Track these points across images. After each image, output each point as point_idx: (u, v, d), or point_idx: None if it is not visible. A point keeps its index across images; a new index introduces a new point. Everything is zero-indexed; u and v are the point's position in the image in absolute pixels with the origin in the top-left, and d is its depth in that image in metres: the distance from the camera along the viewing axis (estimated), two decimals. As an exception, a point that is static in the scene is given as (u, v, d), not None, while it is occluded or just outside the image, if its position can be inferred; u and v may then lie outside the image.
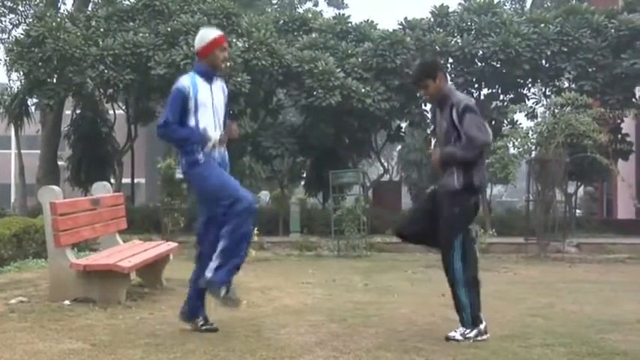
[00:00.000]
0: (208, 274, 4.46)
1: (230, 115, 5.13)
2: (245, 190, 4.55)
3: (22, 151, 20.11)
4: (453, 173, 4.54)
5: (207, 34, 4.69)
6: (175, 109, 4.51)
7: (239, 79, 13.79)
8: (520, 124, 13.87)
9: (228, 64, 4.97)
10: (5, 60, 16.73)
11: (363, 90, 14.72)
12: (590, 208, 22.69)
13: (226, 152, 4.73)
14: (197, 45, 4.66)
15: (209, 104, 4.58)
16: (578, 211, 20.49)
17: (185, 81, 4.56)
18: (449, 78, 15.00)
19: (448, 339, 4.46)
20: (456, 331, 4.50)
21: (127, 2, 16.11)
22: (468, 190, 4.54)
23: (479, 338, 4.47)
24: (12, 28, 22.78)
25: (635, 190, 16.25)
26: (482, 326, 4.52)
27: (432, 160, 4.85)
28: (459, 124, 4.49)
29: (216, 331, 4.64)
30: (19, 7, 21.94)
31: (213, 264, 4.47)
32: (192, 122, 4.54)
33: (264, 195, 27.05)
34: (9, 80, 21.74)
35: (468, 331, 4.48)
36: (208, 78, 4.63)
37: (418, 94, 4.54)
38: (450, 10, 16.55)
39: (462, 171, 4.52)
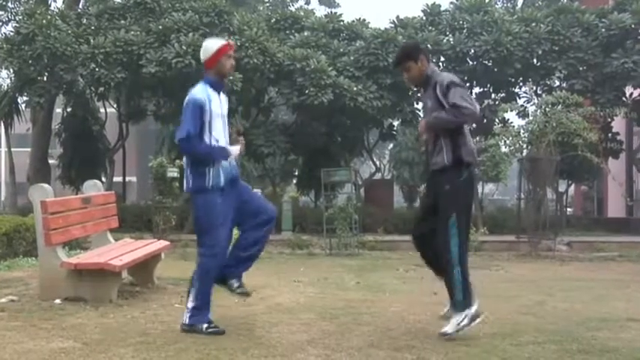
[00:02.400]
0: (185, 318, 4.62)
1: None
2: (222, 246, 4.62)
3: (13, 149, 20.00)
4: (442, 149, 4.57)
5: (212, 44, 4.73)
6: (196, 120, 4.53)
7: (231, 78, 13.74)
8: (511, 122, 13.91)
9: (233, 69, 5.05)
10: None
11: (355, 88, 14.73)
12: (585, 207, 22.75)
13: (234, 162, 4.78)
14: (203, 57, 4.71)
15: (219, 115, 4.66)
16: (569, 209, 20.59)
17: (201, 93, 4.59)
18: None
19: (442, 335, 4.45)
20: (448, 326, 4.48)
21: (118, 0, 16.03)
22: (458, 166, 4.55)
23: (473, 323, 4.46)
24: (1, 26, 22.68)
25: (625, 188, 16.33)
26: (473, 309, 4.48)
27: (419, 132, 4.88)
28: (443, 98, 4.51)
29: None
30: (9, 4, 21.82)
31: (188, 305, 4.63)
32: (206, 134, 4.58)
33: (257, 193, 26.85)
34: (-1, 78, 21.65)
35: (460, 319, 4.46)
36: (217, 89, 4.70)
37: (404, 78, 4.54)
38: (442, 8, 16.59)
39: (451, 147, 4.54)
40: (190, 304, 4.60)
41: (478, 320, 4.50)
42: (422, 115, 5.19)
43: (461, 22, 15.80)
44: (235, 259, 4.78)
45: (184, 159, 4.77)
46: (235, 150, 4.68)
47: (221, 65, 4.67)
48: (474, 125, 16.01)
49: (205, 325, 4.54)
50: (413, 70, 4.68)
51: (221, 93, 4.77)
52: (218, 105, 4.66)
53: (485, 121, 15.44)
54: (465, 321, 4.46)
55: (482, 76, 15.92)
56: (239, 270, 4.82)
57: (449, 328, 4.48)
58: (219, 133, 4.62)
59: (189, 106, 4.56)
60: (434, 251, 4.68)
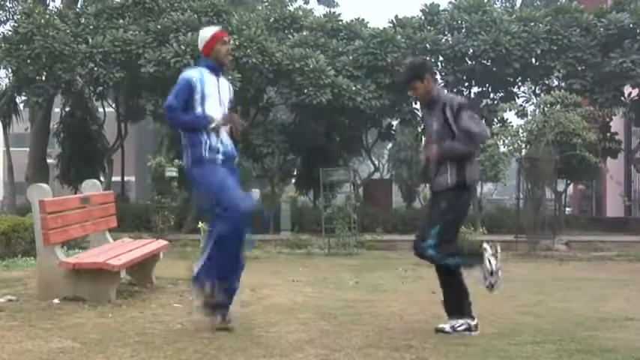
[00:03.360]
0: (195, 268, 4.56)
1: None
2: (241, 198, 4.52)
3: (11, 149, 19.96)
4: (446, 171, 4.56)
5: (207, 32, 4.80)
6: (180, 95, 4.59)
7: (229, 77, 13.73)
8: (510, 122, 13.92)
9: (230, 57, 5.04)
10: (-7, 57, 16.58)
11: (353, 88, 14.73)
12: (582, 206, 22.77)
13: (232, 143, 4.74)
14: (200, 45, 4.78)
15: (215, 96, 4.67)
16: (568, 209, 20.59)
17: (193, 72, 4.67)
18: (439, 76, 15.24)
19: (437, 330, 4.52)
20: (446, 324, 4.56)
21: (117, 0, 16.00)
22: (460, 188, 4.56)
23: (467, 333, 4.50)
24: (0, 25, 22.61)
25: (624, 188, 16.35)
26: (472, 322, 4.54)
27: (424, 157, 4.83)
28: (453, 122, 4.50)
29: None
30: (7, 4, 21.74)
31: (200, 261, 4.56)
32: (199, 111, 4.60)
33: (255, 193, 26.77)
34: (-3, 77, 21.59)
35: (459, 324, 4.50)
36: (215, 71, 4.73)
37: (409, 93, 4.59)
38: (441, 8, 16.57)
39: (455, 169, 4.54)
40: (200, 264, 4.53)
41: (474, 333, 4.54)
42: (425, 132, 5.15)
43: (459, 22, 15.79)
44: None
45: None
46: (218, 118, 4.62)
47: (217, 51, 4.71)
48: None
49: (209, 285, 4.46)
50: (420, 89, 4.68)
51: (221, 78, 4.79)
52: (214, 87, 4.67)
53: (484, 120, 15.44)
54: (463, 327, 4.53)
55: (481, 75, 15.92)
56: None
57: (446, 326, 4.56)
58: (214, 112, 4.62)
59: (178, 82, 4.65)
60: None
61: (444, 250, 4.51)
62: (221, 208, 4.45)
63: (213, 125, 4.59)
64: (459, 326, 4.52)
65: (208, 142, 4.58)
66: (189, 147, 4.64)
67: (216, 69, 4.75)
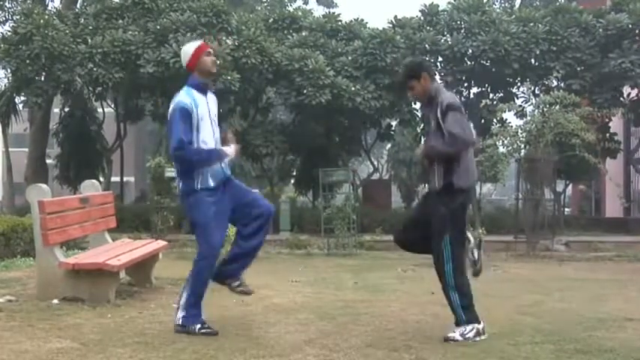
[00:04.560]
0: (177, 318, 4.60)
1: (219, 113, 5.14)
2: (213, 247, 4.59)
3: (10, 149, 19.95)
4: (434, 172, 4.56)
5: (189, 47, 4.74)
6: (186, 127, 4.51)
7: (229, 78, 13.75)
8: (509, 122, 13.91)
9: (218, 62, 5.00)
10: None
11: (353, 88, 14.73)
12: (582, 207, 22.76)
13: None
14: (184, 61, 4.72)
15: (207, 116, 4.63)
16: (567, 209, 20.58)
17: (185, 98, 4.57)
18: (438, 76, 15.25)
19: (447, 339, 4.42)
20: (454, 332, 4.47)
21: (116, 0, 16.00)
22: (449, 191, 4.50)
23: (477, 338, 4.45)
24: (-1, 25, 22.59)
25: (622, 188, 16.34)
26: (480, 326, 4.50)
27: (415, 155, 4.92)
28: (442, 121, 4.50)
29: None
30: (6, 4, 21.74)
31: (181, 304, 4.61)
32: (194, 138, 4.56)
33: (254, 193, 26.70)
34: (-4, 78, 21.58)
35: (467, 330, 4.45)
36: (202, 90, 4.68)
37: (408, 95, 4.57)
38: (440, 8, 16.58)
39: (443, 171, 4.51)
40: (182, 304, 4.60)
41: (483, 337, 4.48)
42: (424, 128, 5.20)
43: (459, 22, 15.80)
44: (233, 257, 4.77)
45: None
46: (230, 150, 4.67)
47: (202, 63, 4.65)
48: (472, 125, 16.07)
49: (198, 326, 4.52)
50: (417, 88, 4.66)
51: (208, 93, 4.74)
52: (205, 107, 4.63)
53: (483, 121, 15.45)
54: (471, 333, 4.44)
55: (480, 76, 15.93)
56: (238, 268, 4.80)
57: (456, 334, 4.46)
58: (207, 135, 4.60)
59: (176, 113, 4.52)
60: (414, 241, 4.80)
61: (457, 285, 4.48)
62: (201, 242, 4.61)
63: (225, 160, 4.63)
64: (468, 332, 4.45)
65: (199, 173, 4.57)
66: (181, 176, 4.65)
67: (203, 86, 4.68)
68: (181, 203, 4.83)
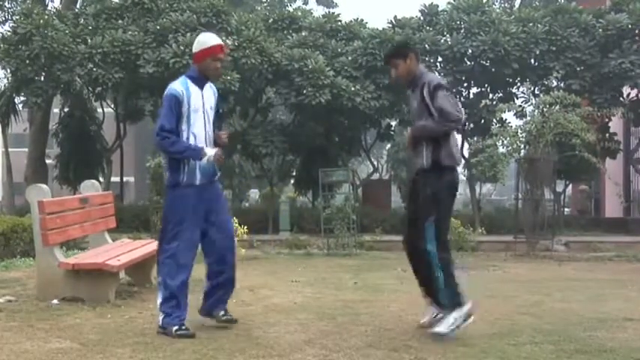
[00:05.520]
0: (158, 319, 4.57)
1: (219, 114, 5.10)
2: (183, 247, 4.51)
3: (10, 150, 19.93)
4: (421, 152, 4.58)
5: (206, 40, 4.68)
6: (171, 115, 4.50)
7: (228, 78, 13.74)
8: (509, 122, 13.92)
9: (220, 71, 4.96)
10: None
11: (352, 88, 14.73)
12: (583, 207, 22.72)
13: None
14: (194, 49, 4.70)
15: (200, 110, 4.59)
16: (566, 209, 20.56)
17: (178, 86, 4.56)
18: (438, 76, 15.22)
19: (434, 334, 4.44)
20: (439, 325, 4.47)
21: (116, 0, 15.99)
22: (437, 169, 4.53)
23: (464, 324, 4.44)
24: (-1, 25, 22.58)
25: (622, 188, 16.35)
26: (465, 309, 4.46)
27: (406, 142, 4.87)
28: (430, 101, 4.50)
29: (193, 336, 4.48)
30: (6, 4, 21.75)
31: (160, 309, 4.57)
32: (184, 128, 4.54)
33: (254, 193, 26.90)
34: (-4, 78, 21.55)
35: (452, 321, 4.43)
36: (199, 83, 4.64)
37: (392, 73, 4.56)
38: (440, 8, 16.57)
39: (430, 150, 4.54)
40: (159, 306, 4.57)
41: (469, 321, 4.49)
42: (410, 114, 5.20)
43: (458, 23, 15.79)
44: (209, 291, 4.76)
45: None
46: (211, 152, 4.55)
47: (206, 65, 4.62)
48: (472, 125, 16.07)
49: (175, 328, 4.45)
50: (401, 67, 4.69)
51: (206, 87, 4.69)
52: (199, 99, 4.58)
53: (482, 121, 15.44)
54: (458, 321, 4.45)
55: (480, 76, 15.93)
56: (218, 300, 4.77)
57: (442, 327, 4.46)
58: (198, 129, 4.57)
59: (165, 100, 4.54)
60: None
61: (442, 263, 4.46)
62: (167, 235, 4.55)
63: (204, 160, 4.53)
64: (453, 323, 4.42)
65: (187, 166, 4.55)
66: (168, 169, 4.65)
67: (201, 81, 4.65)
68: (165, 193, 4.77)
